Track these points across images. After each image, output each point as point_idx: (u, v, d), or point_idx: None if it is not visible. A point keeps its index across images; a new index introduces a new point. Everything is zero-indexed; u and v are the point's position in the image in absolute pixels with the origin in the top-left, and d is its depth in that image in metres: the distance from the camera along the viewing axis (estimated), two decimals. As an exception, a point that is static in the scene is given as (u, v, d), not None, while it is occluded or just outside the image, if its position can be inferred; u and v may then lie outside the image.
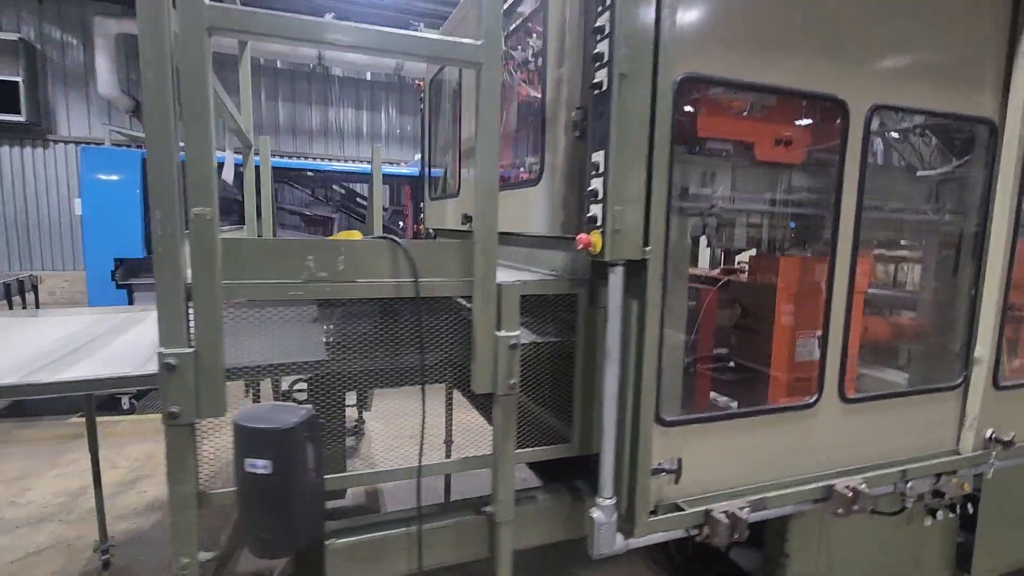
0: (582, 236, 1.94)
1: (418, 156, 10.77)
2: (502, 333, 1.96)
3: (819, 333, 2.47)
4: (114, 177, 7.06)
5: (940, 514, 2.92)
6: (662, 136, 1.90)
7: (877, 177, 2.46)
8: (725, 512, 2.16)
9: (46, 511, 4.22)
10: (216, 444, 1.80)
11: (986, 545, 3.15)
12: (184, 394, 1.61)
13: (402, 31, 1.78)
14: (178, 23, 1.54)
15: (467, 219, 3.19)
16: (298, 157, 13.75)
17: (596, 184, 1.92)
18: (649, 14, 1.84)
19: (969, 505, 2.99)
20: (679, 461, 2.17)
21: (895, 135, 2.95)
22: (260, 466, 1.41)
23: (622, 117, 1.84)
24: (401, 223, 8.95)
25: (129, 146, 9.80)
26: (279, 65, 13.73)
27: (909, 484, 2.65)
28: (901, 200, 2.90)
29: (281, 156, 13.39)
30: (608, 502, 2.07)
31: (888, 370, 3.18)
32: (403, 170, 8.76)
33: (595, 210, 1.93)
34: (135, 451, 5.32)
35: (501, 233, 2.70)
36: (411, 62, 12.46)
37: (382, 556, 2.02)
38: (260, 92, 13.77)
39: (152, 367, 2.21)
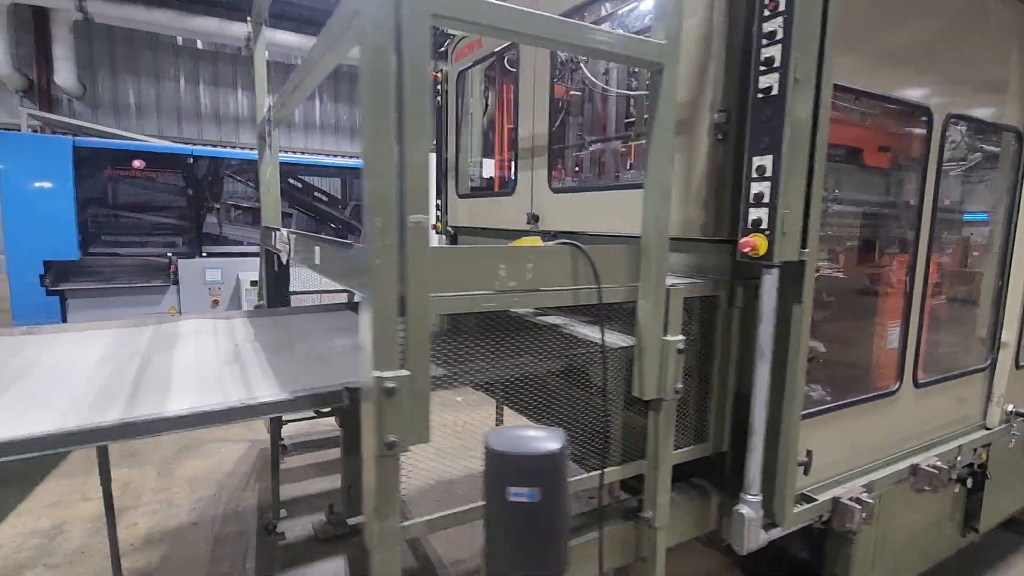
0: (747, 239, 1.95)
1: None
2: (670, 337, 1.94)
3: (899, 324, 2.67)
4: (41, 168, 6.17)
5: (969, 481, 3.26)
6: (822, 140, 1.96)
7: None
8: (851, 498, 2.29)
9: (22, 556, 3.66)
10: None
11: (991, 505, 3.56)
12: (401, 421, 1.46)
13: (590, 26, 1.70)
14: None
15: (534, 219, 3.11)
16: (223, 146, 12.72)
17: (759, 188, 1.95)
18: (817, 19, 1.88)
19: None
20: (809, 453, 2.26)
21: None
22: (527, 495, 1.31)
23: (792, 122, 1.88)
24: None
25: (38, 130, 8.58)
26: (199, 45, 12.61)
27: (959, 457, 2.94)
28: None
29: (205, 144, 12.33)
30: (756, 498, 2.12)
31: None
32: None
33: (758, 213, 1.96)
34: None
35: (601, 235, 2.69)
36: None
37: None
38: (179, 75, 12.60)
39: (264, 390, 1.98)
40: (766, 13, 1.89)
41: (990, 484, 3.52)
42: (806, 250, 2.00)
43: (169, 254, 6.86)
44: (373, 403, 1.44)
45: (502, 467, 1.34)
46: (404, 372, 1.45)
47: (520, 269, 1.70)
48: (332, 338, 2.87)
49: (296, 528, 3.98)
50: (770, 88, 1.90)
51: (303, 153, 13.31)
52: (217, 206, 7.35)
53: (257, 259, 7.44)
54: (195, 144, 11.97)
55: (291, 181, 8.09)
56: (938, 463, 2.64)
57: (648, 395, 1.95)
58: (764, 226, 1.95)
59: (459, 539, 3.88)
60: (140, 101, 12.32)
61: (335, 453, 5.07)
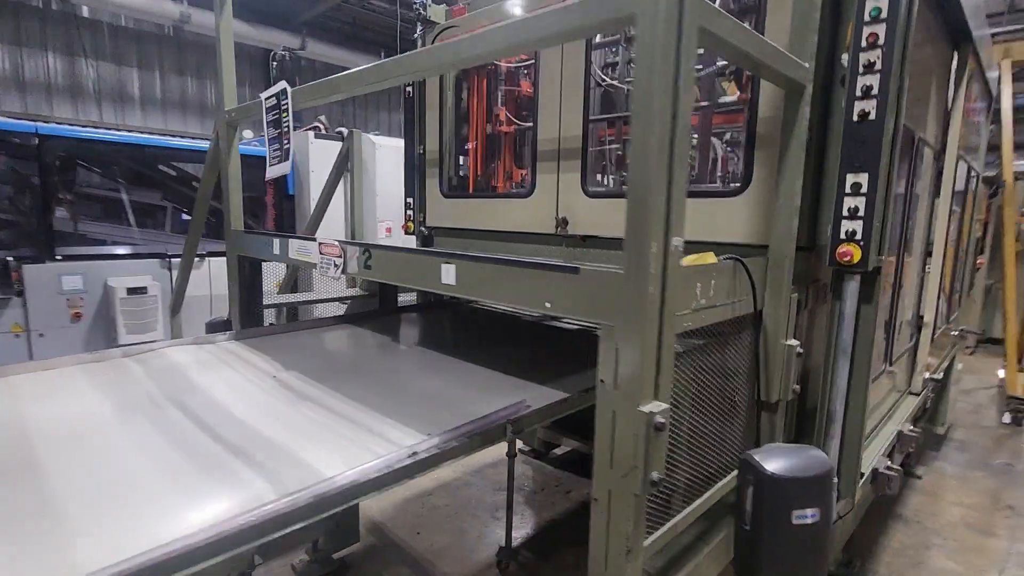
0: (845, 249, 2.15)
1: (248, 133, 9.17)
2: (790, 342, 2.07)
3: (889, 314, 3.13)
4: None
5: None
6: (895, 159, 2.21)
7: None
8: (887, 467, 2.65)
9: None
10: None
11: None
12: (662, 456, 1.38)
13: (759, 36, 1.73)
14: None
15: (563, 223, 3.06)
16: (30, 119, 10.37)
17: (854, 202, 2.14)
18: (900, 52, 2.11)
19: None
20: (856, 432, 2.56)
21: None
22: (809, 516, 1.33)
23: (885, 145, 2.10)
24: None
25: None
26: (-10, -7, 10.08)
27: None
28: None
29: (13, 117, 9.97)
30: (836, 481, 2.36)
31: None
32: (255, 149, 7.36)
33: (852, 225, 2.15)
34: None
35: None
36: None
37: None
38: (-39, 27, 9.97)
39: (396, 433, 1.73)
40: (864, 44, 2.08)
41: (897, 438, 4.30)
42: (882, 256, 2.25)
43: (9, 258, 5.48)
44: (639, 440, 1.34)
45: (787, 491, 1.34)
46: (665, 404, 1.37)
47: (707, 287, 1.69)
48: (372, 359, 2.56)
49: (273, 575, 3.49)
50: (867, 113, 2.10)
51: (139, 132, 11.38)
52: (70, 197, 6.03)
53: (132, 262, 6.28)
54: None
55: (162, 168, 6.94)
56: (913, 428, 3.16)
57: (773, 398, 2.06)
58: (858, 237, 2.15)
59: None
60: (-99, 58, 9.55)
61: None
